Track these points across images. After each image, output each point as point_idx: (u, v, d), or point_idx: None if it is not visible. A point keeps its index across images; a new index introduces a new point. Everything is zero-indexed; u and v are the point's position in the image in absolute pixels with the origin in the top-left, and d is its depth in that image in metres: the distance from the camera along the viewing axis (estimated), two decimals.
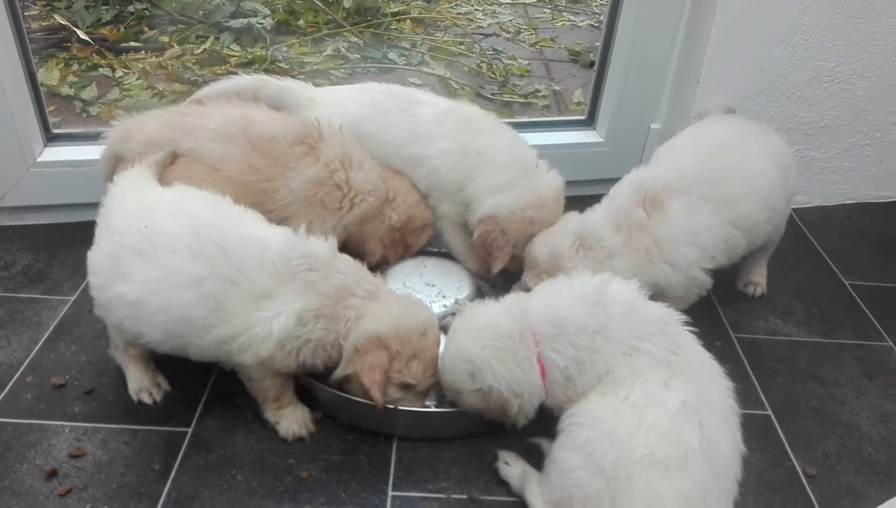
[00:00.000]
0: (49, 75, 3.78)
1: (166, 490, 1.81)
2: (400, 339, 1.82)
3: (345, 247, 2.19)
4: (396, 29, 4.56)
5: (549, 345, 1.76)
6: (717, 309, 2.52)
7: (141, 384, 2.00)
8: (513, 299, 1.91)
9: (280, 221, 2.06)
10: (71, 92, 3.67)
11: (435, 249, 2.52)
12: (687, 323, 1.80)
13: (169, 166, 2.09)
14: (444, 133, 2.32)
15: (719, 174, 2.19)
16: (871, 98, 2.90)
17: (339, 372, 1.84)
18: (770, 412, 2.14)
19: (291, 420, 1.92)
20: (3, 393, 2.04)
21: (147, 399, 1.99)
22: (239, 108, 2.20)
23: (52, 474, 1.82)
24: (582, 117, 3.08)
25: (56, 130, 2.69)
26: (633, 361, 1.70)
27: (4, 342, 2.20)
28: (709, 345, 1.82)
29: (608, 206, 2.22)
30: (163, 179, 2.04)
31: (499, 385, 1.76)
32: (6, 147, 2.50)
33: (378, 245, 2.30)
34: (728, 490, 1.61)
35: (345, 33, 4.40)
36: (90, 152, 2.48)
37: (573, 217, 2.26)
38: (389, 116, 2.35)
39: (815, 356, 2.35)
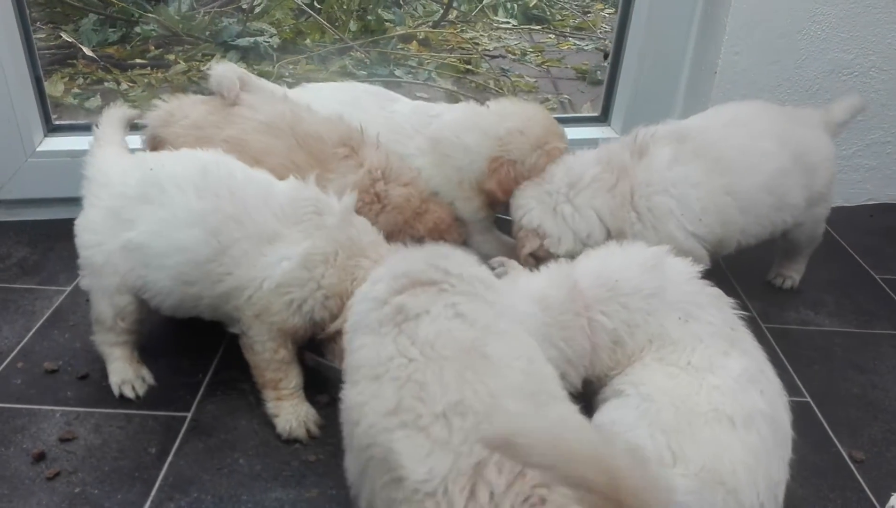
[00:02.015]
0: (54, 87, 3.73)
1: (162, 474, 1.67)
2: None
3: None
4: (402, 48, 4.55)
5: (599, 307, 1.65)
6: (744, 300, 2.40)
7: (124, 377, 1.87)
8: (555, 266, 1.79)
9: None
10: (75, 102, 3.62)
11: None
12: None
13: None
14: (414, 130, 2.31)
15: (719, 136, 2.11)
16: (891, 92, 2.83)
17: (335, 325, 1.72)
18: (809, 399, 2.00)
19: (291, 416, 1.77)
20: None
21: (129, 393, 1.86)
22: (288, 104, 2.15)
23: (41, 457, 1.69)
24: (595, 114, 3.00)
25: (57, 121, 2.61)
26: (690, 327, 1.60)
27: None
28: None
29: (600, 148, 2.16)
30: None
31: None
32: (6, 136, 2.43)
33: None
34: (786, 460, 1.48)
35: (351, 52, 4.38)
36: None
37: (562, 162, 2.19)
38: (369, 115, 2.30)
39: (851, 346, 2.23)
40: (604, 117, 2.96)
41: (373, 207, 2.10)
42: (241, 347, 1.79)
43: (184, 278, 1.71)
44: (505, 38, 5.10)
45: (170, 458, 1.71)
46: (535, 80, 4.43)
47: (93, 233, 1.76)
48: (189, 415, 1.84)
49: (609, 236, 2.06)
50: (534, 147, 2.22)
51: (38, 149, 2.51)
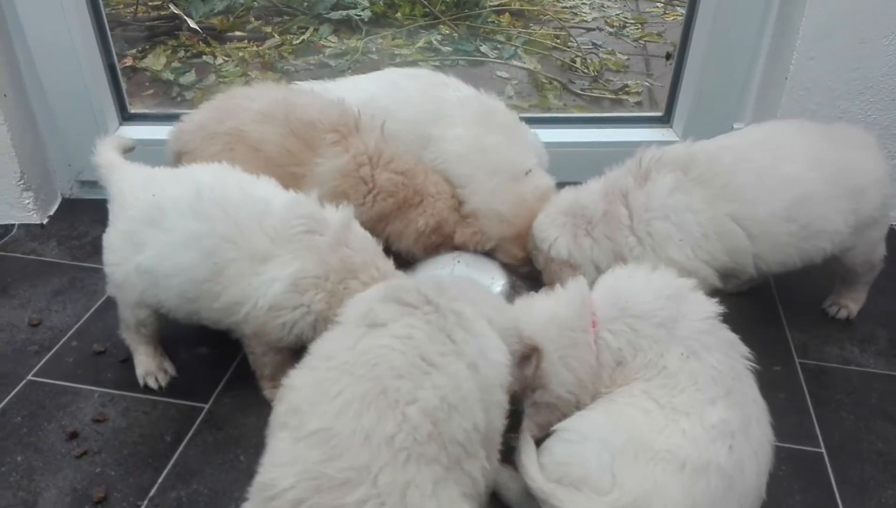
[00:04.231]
0: (156, 61, 4.01)
1: (172, 462, 1.85)
2: None
3: None
4: (493, 22, 4.49)
5: (606, 325, 1.67)
6: (785, 330, 2.29)
7: (148, 369, 2.04)
8: (574, 284, 1.80)
9: None
10: (171, 77, 3.87)
11: None
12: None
13: (212, 148, 2.14)
14: (462, 119, 2.30)
15: (733, 161, 2.02)
16: None
17: None
18: (823, 451, 1.91)
19: None
20: (49, 355, 2.16)
21: (153, 384, 2.04)
22: (283, 91, 2.24)
23: (74, 435, 1.91)
24: (659, 114, 2.88)
25: (132, 110, 2.82)
26: (690, 365, 1.58)
27: (61, 306, 2.34)
28: (766, 369, 1.69)
29: (606, 176, 2.15)
30: (203, 159, 2.09)
31: (560, 391, 1.67)
32: (83, 124, 2.66)
33: (413, 247, 2.28)
34: None
35: (439, 26, 4.38)
36: (162, 132, 2.58)
37: (570, 191, 2.22)
38: (408, 95, 2.34)
39: (890, 392, 2.08)
40: (666, 118, 2.84)
41: (359, 189, 2.15)
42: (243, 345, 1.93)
43: (186, 296, 1.83)
44: (608, 7, 4.91)
45: (181, 447, 1.89)
46: (627, 57, 4.26)
47: (112, 253, 1.90)
48: (207, 406, 2.01)
49: None
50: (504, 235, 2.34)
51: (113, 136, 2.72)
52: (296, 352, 1.86)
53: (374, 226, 2.19)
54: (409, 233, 2.25)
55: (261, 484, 1.29)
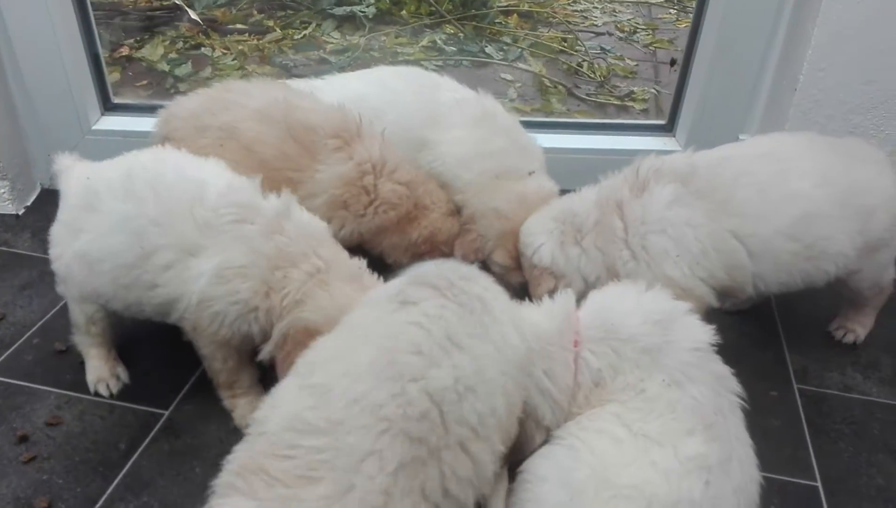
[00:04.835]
0: (153, 51, 3.93)
1: (123, 472, 1.75)
2: None
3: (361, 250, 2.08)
4: (500, 23, 4.38)
5: (589, 345, 1.58)
6: (784, 352, 2.16)
7: (100, 375, 1.94)
8: (561, 298, 1.70)
9: None
10: (167, 68, 3.79)
11: None
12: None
13: (201, 141, 2.04)
14: (462, 122, 2.19)
15: (736, 173, 1.91)
16: None
17: (265, 352, 1.71)
18: (819, 484, 1.78)
19: (247, 410, 1.79)
20: (9, 352, 2.07)
21: (104, 391, 1.94)
22: (283, 90, 2.13)
23: (24, 439, 1.82)
24: (662, 122, 2.76)
25: (115, 100, 2.74)
26: (670, 393, 1.47)
27: (27, 301, 2.26)
28: (762, 393, 1.58)
29: (601, 184, 2.04)
30: (190, 150, 1.99)
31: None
32: (62, 113, 2.58)
33: (402, 257, 2.17)
34: None
35: (445, 25, 4.28)
36: (146, 124, 2.48)
37: (565, 198, 2.12)
38: (399, 96, 2.24)
39: (893, 423, 1.95)
40: (669, 127, 2.72)
41: (360, 199, 2.05)
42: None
43: (119, 283, 1.73)
44: (619, 12, 4.79)
45: (134, 457, 1.79)
46: (636, 63, 4.14)
47: (56, 245, 1.82)
48: (166, 413, 1.91)
49: None
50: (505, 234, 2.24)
51: (93, 127, 2.64)
52: (253, 358, 1.79)
53: (372, 238, 2.11)
54: (403, 245, 2.15)
55: (257, 420, 1.33)
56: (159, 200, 1.68)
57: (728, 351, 1.57)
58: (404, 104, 2.24)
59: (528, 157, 2.24)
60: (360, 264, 1.77)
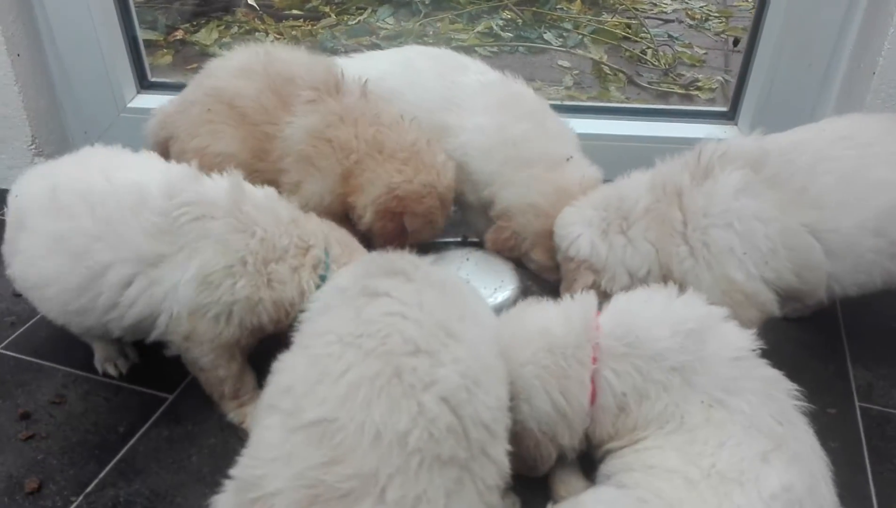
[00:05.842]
0: (207, 35, 3.93)
1: (118, 457, 1.68)
2: None
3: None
4: (562, 9, 4.19)
5: (610, 363, 1.39)
6: (847, 365, 1.93)
7: (108, 354, 1.87)
8: (579, 299, 1.53)
9: (273, 178, 1.92)
10: (218, 52, 3.76)
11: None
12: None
13: (193, 112, 2.01)
14: (485, 107, 2.02)
15: (812, 160, 1.68)
16: None
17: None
18: None
19: None
20: (24, 328, 2.04)
21: (112, 371, 1.87)
22: (265, 47, 2.08)
23: (25, 416, 1.77)
24: (723, 109, 2.54)
25: (153, 78, 2.70)
26: (713, 414, 1.30)
27: None
28: (819, 411, 1.41)
29: (657, 169, 1.82)
30: (184, 129, 2.00)
31: (531, 424, 1.41)
32: (98, 91, 2.55)
33: (371, 207, 1.90)
34: None
35: (502, 10, 4.12)
36: None
37: (609, 185, 1.91)
38: (422, 76, 2.09)
39: None
40: (731, 114, 2.50)
41: (325, 155, 1.91)
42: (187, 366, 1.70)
43: (70, 309, 1.59)
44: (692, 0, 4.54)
45: (132, 441, 1.72)
46: (705, 51, 3.88)
47: (7, 266, 1.73)
48: (171, 398, 1.83)
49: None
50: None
51: (129, 105, 2.61)
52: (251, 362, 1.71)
53: (344, 201, 1.95)
54: (379, 187, 1.90)
55: (244, 481, 1.09)
56: (95, 212, 1.53)
57: (783, 363, 1.41)
58: (425, 86, 2.10)
59: (561, 142, 2.05)
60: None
